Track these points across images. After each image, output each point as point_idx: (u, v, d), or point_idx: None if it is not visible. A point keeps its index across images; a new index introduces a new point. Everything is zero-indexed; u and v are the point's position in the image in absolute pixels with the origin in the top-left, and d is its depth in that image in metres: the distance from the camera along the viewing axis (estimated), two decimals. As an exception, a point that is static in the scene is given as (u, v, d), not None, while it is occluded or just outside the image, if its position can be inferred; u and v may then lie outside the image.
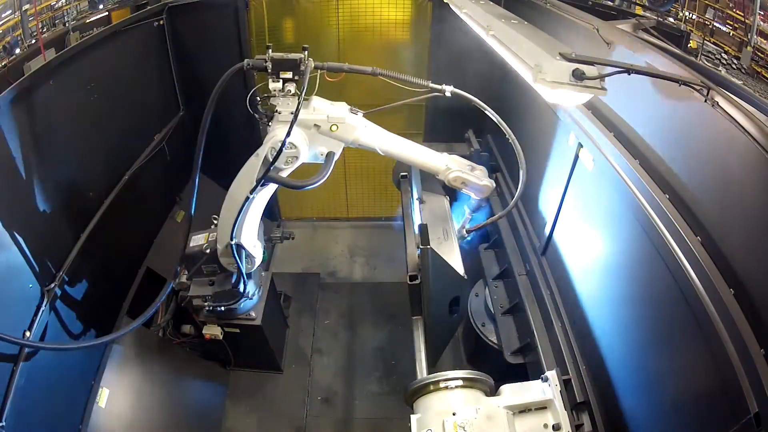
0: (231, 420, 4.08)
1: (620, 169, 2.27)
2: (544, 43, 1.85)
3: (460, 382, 2.50)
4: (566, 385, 2.61)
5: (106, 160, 3.58)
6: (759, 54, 5.65)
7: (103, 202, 3.44)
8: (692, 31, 5.53)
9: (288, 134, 2.41)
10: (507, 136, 2.83)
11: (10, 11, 4.98)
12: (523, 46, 1.93)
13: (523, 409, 2.46)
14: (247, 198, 2.77)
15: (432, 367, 2.91)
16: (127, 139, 3.87)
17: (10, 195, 2.60)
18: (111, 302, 3.58)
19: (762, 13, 5.99)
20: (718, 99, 1.75)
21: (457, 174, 3.09)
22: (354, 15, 4.62)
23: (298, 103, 2.37)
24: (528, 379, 2.71)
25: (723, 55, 5.55)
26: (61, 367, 2.80)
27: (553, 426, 2.40)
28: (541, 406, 2.49)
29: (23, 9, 4.85)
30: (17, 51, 4.70)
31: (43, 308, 2.67)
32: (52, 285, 2.78)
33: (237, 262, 3.20)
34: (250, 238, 3.21)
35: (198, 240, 3.42)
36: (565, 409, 2.45)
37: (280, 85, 2.54)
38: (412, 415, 2.47)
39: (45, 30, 5.28)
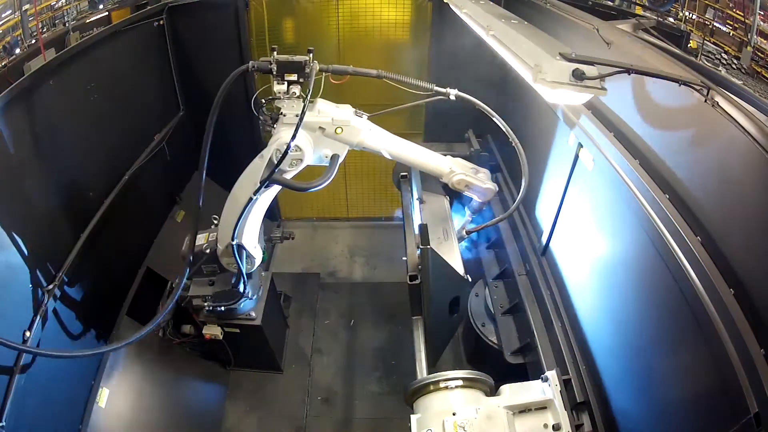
0: (231, 420, 4.08)
1: (620, 169, 2.26)
2: (544, 43, 1.85)
3: (460, 382, 2.50)
4: (566, 385, 2.61)
5: (106, 160, 3.58)
6: (759, 54, 5.65)
7: (103, 202, 3.44)
8: (692, 31, 5.53)
9: (294, 137, 2.40)
10: (510, 140, 2.83)
11: (10, 11, 4.98)
12: (523, 46, 1.93)
13: (523, 409, 2.46)
14: (250, 199, 2.77)
15: (432, 367, 2.91)
16: (127, 139, 3.87)
17: (10, 195, 2.60)
18: (111, 302, 3.58)
19: (762, 13, 5.99)
20: (718, 99, 1.75)
21: (461, 177, 3.11)
22: (354, 15, 4.62)
23: (304, 106, 2.36)
24: (528, 379, 2.71)
25: (723, 55, 5.55)
26: (61, 367, 2.80)
27: (553, 426, 2.40)
28: (541, 406, 2.49)
29: (23, 9, 4.85)
30: (17, 51, 4.70)
31: (43, 308, 2.67)
32: (52, 285, 2.78)
33: (237, 263, 3.20)
34: (252, 239, 3.21)
35: (198, 240, 3.42)
36: (565, 409, 2.45)
37: (284, 87, 2.53)
38: (412, 415, 2.47)
39: (45, 30, 5.28)
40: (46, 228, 2.87)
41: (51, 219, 2.94)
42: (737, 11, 6.26)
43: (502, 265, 3.93)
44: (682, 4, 5.94)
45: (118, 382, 3.29)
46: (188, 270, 3.13)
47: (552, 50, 1.71)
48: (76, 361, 2.96)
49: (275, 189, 2.94)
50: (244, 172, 2.76)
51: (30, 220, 2.73)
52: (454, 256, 3.04)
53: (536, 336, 3.05)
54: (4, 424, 2.25)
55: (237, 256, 3.15)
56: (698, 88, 1.81)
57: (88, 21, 5.04)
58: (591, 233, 2.71)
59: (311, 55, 2.46)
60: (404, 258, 3.10)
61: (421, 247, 2.80)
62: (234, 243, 3.06)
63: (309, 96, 2.36)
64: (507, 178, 4.25)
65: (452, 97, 2.66)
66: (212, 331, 3.74)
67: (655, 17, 3.99)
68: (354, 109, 2.76)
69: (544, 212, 3.38)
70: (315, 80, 2.42)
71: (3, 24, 4.91)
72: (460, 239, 3.33)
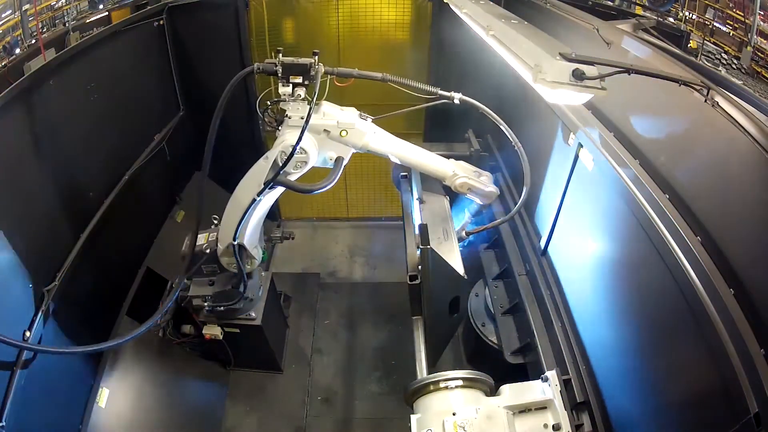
0: (231, 420, 4.08)
1: (620, 169, 2.26)
2: (544, 43, 1.85)
3: (460, 382, 2.49)
4: (566, 385, 2.61)
5: (106, 160, 3.58)
6: (759, 54, 5.65)
7: (103, 202, 3.44)
8: (692, 31, 5.52)
9: (299, 139, 2.40)
10: (513, 144, 2.82)
11: (10, 11, 4.98)
12: (523, 46, 1.93)
13: (523, 409, 2.46)
14: (254, 200, 2.77)
15: (432, 367, 2.90)
16: (127, 139, 3.87)
17: (10, 195, 2.60)
18: (111, 302, 3.58)
19: (762, 13, 5.99)
20: (718, 99, 1.75)
21: (464, 180, 3.11)
22: (354, 15, 4.62)
23: (309, 109, 2.36)
24: (528, 379, 2.71)
25: (723, 55, 5.55)
26: (61, 367, 2.80)
27: (553, 426, 2.40)
28: (541, 406, 2.48)
29: (23, 9, 4.84)
30: (17, 51, 4.69)
31: (43, 308, 2.67)
32: (52, 285, 2.78)
33: (238, 263, 3.20)
34: (252, 240, 3.21)
35: (198, 240, 3.42)
36: (565, 409, 2.44)
37: (290, 89, 2.53)
38: (412, 415, 2.46)
39: (45, 30, 5.27)
40: (46, 228, 2.86)
41: (51, 219, 2.94)
42: (737, 11, 6.26)
43: (502, 265, 3.93)
44: (682, 4, 5.94)
45: (118, 382, 3.29)
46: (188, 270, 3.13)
47: (552, 50, 1.71)
48: (76, 362, 2.96)
49: (279, 190, 2.94)
50: (247, 173, 2.76)
51: (30, 220, 2.73)
52: (454, 256, 3.04)
53: (536, 336, 3.05)
54: (4, 424, 2.25)
55: (237, 256, 3.15)
56: (698, 88, 1.81)
57: (88, 21, 5.02)
58: (591, 233, 2.71)
59: (317, 57, 2.45)
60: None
61: (421, 247, 2.80)
62: (235, 243, 3.06)
63: (315, 98, 2.36)
64: (507, 178, 4.24)
65: (456, 101, 2.66)
66: (212, 331, 3.74)
67: (655, 17, 3.99)
68: (359, 112, 2.76)
69: (544, 212, 3.38)
70: (320, 83, 2.42)
71: (3, 24, 4.90)
72: (460, 239, 3.33)
